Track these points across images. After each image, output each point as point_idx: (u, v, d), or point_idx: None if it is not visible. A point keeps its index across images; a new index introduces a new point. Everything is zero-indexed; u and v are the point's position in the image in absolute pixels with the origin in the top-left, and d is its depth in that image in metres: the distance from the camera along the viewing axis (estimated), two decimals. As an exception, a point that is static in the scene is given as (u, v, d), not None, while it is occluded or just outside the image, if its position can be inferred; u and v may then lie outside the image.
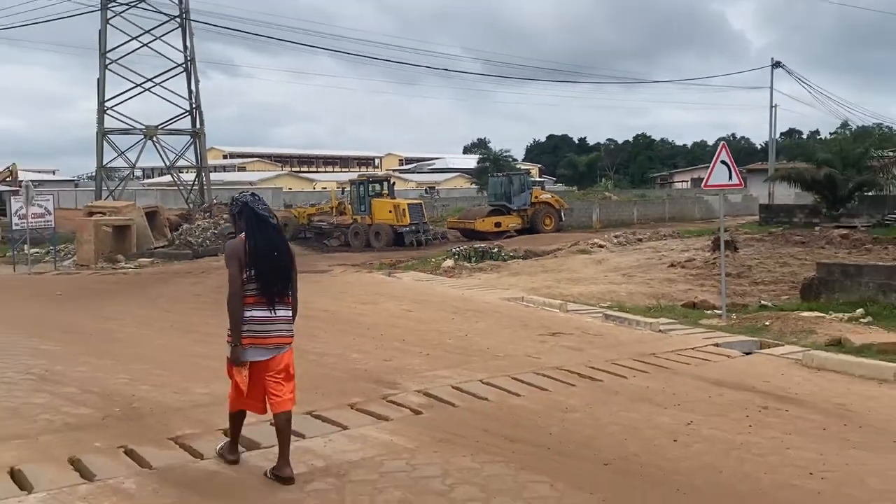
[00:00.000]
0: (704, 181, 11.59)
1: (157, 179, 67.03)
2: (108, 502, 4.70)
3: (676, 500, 4.84)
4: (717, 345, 9.48)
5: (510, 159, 65.39)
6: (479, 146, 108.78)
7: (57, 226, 23.24)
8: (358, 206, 30.22)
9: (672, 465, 5.45)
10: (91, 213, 24.31)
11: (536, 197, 33.88)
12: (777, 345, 9.53)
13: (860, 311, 11.40)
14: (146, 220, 25.06)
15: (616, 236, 25.49)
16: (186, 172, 37.75)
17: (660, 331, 10.38)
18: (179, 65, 30.99)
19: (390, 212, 29.25)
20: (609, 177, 79.20)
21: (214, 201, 30.43)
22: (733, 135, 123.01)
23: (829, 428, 6.31)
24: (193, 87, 31.22)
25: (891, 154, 34.42)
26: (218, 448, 5.53)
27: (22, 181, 39.18)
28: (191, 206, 30.85)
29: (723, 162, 11.16)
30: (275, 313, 5.15)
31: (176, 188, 34.21)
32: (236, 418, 5.44)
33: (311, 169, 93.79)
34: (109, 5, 29.22)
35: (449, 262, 18.52)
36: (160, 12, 29.89)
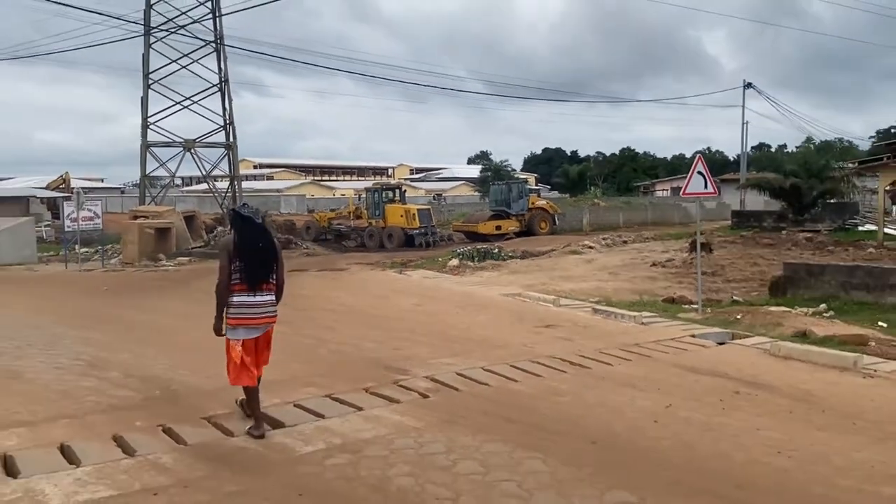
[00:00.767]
0: (683, 189, 11.52)
1: (194, 187, 67.09)
2: (147, 475, 4.69)
3: (656, 474, 4.80)
4: (693, 336, 9.42)
5: (510, 169, 65.29)
6: (481, 158, 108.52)
7: (105, 228, 23.29)
8: (373, 211, 30.22)
9: (653, 443, 5.41)
10: (135, 217, 24.33)
11: (533, 203, 33.79)
12: (748, 336, 9.46)
13: (823, 306, 11.33)
14: (185, 223, 25.07)
15: (604, 239, 25.38)
16: (220, 181, 37.69)
17: (642, 323, 10.32)
18: (214, 85, 30.96)
19: (402, 216, 29.24)
20: (598, 185, 78.91)
21: (250, 210, 30.35)
22: (708, 148, 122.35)
23: (796, 411, 6.26)
24: (227, 105, 31.20)
25: (850, 166, 34.19)
26: (246, 429, 5.57)
27: (73, 188, 39.32)
28: (224, 210, 30.80)
29: (699, 172, 11.10)
30: (255, 297, 5.45)
31: (211, 195, 34.19)
32: (251, 396, 5.61)
33: (332, 178, 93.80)
34: (152, 32, 29.20)
35: (454, 262, 18.46)
36: (197, 38, 29.88)
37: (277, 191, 67.80)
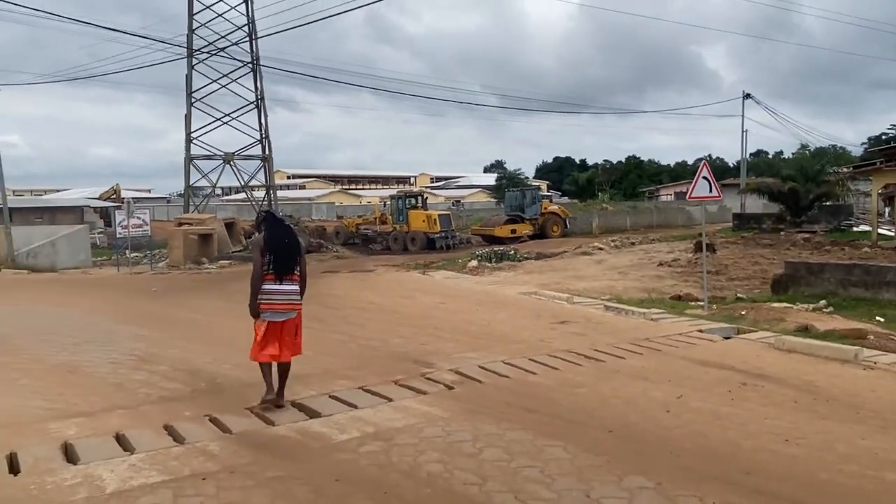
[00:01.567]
0: (688, 193, 11.36)
1: (233, 196, 67.67)
2: (196, 461, 4.69)
3: (669, 460, 4.72)
4: (701, 331, 9.27)
5: (523, 177, 65.05)
6: (496, 166, 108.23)
7: (152, 234, 23.53)
8: (397, 217, 30.26)
9: (665, 432, 5.32)
10: (180, 224, 24.55)
11: (545, 208, 33.62)
12: (752, 331, 9.30)
13: (823, 302, 11.12)
14: (225, 230, 25.27)
15: (613, 241, 25.15)
16: (257, 190, 37.96)
17: (652, 319, 10.19)
18: (251, 102, 31.17)
19: (424, 221, 29.23)
20: (605, 191, 78.30)
21: (280, 214, 30.58)
22: (709, 155, 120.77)
23: (801, 401, 6.14)
24: (263, 121, 31.39)
25: (844, 170, 33.62)
26: (264, 396, 5.87)
27: (124, 198, 39.80)
28: (257, 213, 30.99)
29: (704, 177, 10.94)
30: (281, 285, 5.81)
31: (249, 203, 34.44)
32: (264, 368, 5.91)
33: (359, 186, 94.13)
34: (194, 54, 29.49)
35: (473, 263, 18.38)
36: (235, 59, 30.13)
37: (309, 199, 68.21)
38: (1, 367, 7.57)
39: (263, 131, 31.44)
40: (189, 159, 30.48)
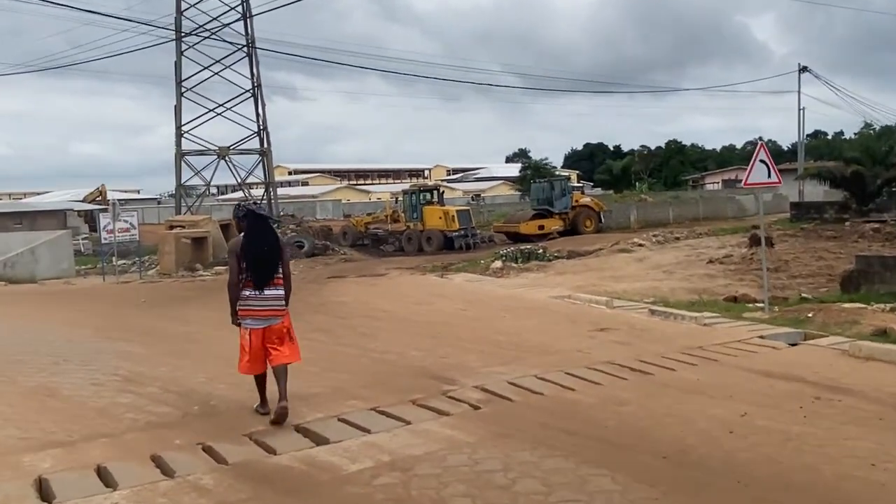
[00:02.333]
0: (745, 180, 11.04)
1: (229, 195, 68.13)
2: (187, 498, 4.54)
3: (738, 491, 4.48)
4: (762, 337, 8.98)
5: (550, 166, 64.66)
6: (519, 156, 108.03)
7: (142, 239, 23.60)
8: (410, 214, 30.10)
9: (729, 456, 5.08)
10: (172, 227, 24.64)
11: (577, 200, 33.31)
12: (821, 336, 8.99)
13: (902, 301, 10.74)
14: (221, 232, 25.30)
15: (654, 236, 24.81)
16: (255, 188, 38.11)
17: (704, 324, 9.91)
18: (247, 90, 31.31)
19: (440, 218, 29.04)
20: (643, 180, 77.70)
21: (282, 214, 30.64)
22: (760, 137, 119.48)
23: (886, 418, 5.85)
24: (260, 111, 31.53)
25: (916, 151, 32.88)
26: (255, 406, 6.24)
27: (110, 200, 40.12)
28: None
29: (762, 161, 10.63)
30: (262, 293, 5.95)
31: (247, 203, 34.61)
32: (258, 381, 6.22)
33: (367, 181, 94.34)
34: (183, 38, 29.63)
35: (498, 264, 18.18)
36: (229, 42, 30.22)
37: (313, 196, 68.45)
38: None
39: (261, 122, 31.51)
40: (180, 155, 30.64)
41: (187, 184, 33.24)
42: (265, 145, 31.73)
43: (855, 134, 68.23)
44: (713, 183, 74.48)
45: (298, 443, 5.57)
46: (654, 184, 79.11)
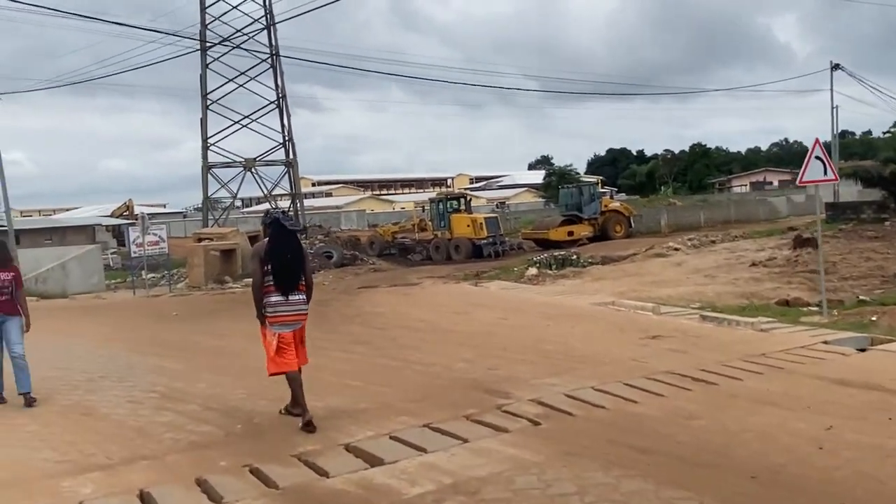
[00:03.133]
0: (799, 178, 10.52)
1: (255, 207, 68.34)
2: (239, 528, 4.19)
3: (843, 517, 4.03)
4: (826, 342, 8.48)
5: (574, 173, 64.02)
6: (542, 163, 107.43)
7: (170, 252, 23.50)
8: (438, 223, 29.72)
9: (824, 475, 4.63)
10: (200, 240, 24.52)
11: (606, 206, 32.76)
12: (890, 340, 8.46)
13: (969, 302, 10.17)
14: (250, 244, 25.14)
15: (689, 239, 24.22)
16: (281, 199, 37.97)
17: (761, 330, 9.42)
18: (272, 102, 31.23)
19: (468, 226, 28.64)
20: (668, 184, 76.73)
21: (309, 224, 30.47)
22: (785, 139, 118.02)
23: None
24: (286, 122, 31.40)
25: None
26: (282, 409, 6.40)
27: (137, 214, 40.27)
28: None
29: (817, 157, 10.13)
30: (287, 298, 6.10)
31: (275, 210, 34.43)
32: (292, 385, 6.20)
33: (390, 191, 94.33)
34: (208, 50, 29.65)
35: (533, 271, 17.76)
36: (252, 52, 30.14)
37: (337, 207, 68.49)
38: (3, 410, 7.25)
39: (286, 133, 31.39)
40: (207, 167, 30.59)
41: (213, 197, 33.16)
42: (291, 156, 31.57)
43: (884, 133, 66.83)
44: (741, 185, 73.44)
45: (351, 464, 5.21)
46: (678, 188, 78.08)
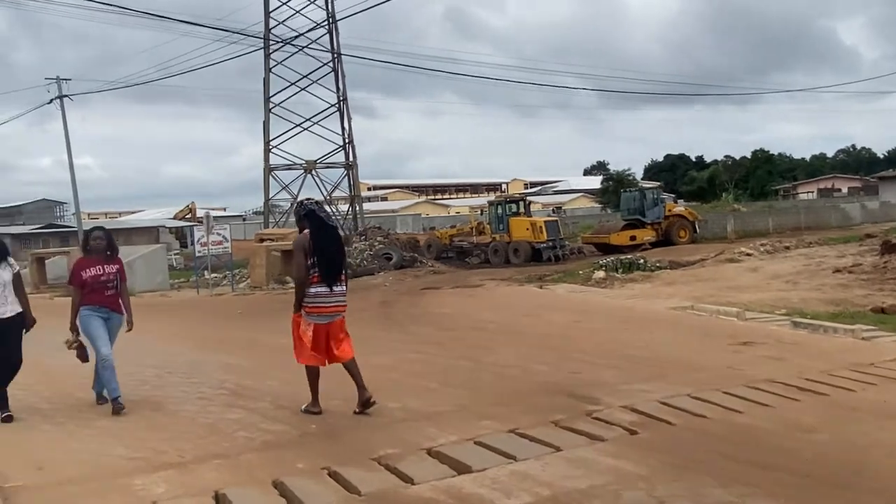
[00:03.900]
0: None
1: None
2: (323, 537, 3.81)
3: None
4: (941, 352, 7.71)
5: (632, 177, 62.78)
6: (598, 168, 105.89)
7: (232, 252, 23.63)
8: (496, 226, 29.24)
9: None
10: (261, 240, 24.62)
11: (670, 210, 31.75)
12: None
13: None
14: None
15: (762, 245, 23.19)
16: (340, 203, 38.05)
17: (863, 338, 8.68)
18: (332, 105, 31.29)
19: (527, 229, 28.09)
20: (729, 191, 74.51)
21: (369, 227, 30.39)
22: (853, 146, 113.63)
23: None
24: (346, 124, 31.40)
25: None
26: (303, 408, 6.27)
27: (204, 213, 40.96)
28: (346, 231, 30.90)
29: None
30: (332, 290, 6.09)
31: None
32: (312, 375, 6.22)
33: (445, 196, 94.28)
34: (271, 55, 29.90)
35: (600, 274, 17.12)
36: (319, 49, 30.24)
37: (393, 211, 68.68)
38: (75, 403, 7.09)
39: (347, 136, 31.40)
40: (268, 170, 30.81)
41: (272, 201, 33.38)
42: (351, 158, 31.56)
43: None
44: (807, 192, 70.80)
45: (436, 470, 4.80)
46: (739, 195, 75.80)
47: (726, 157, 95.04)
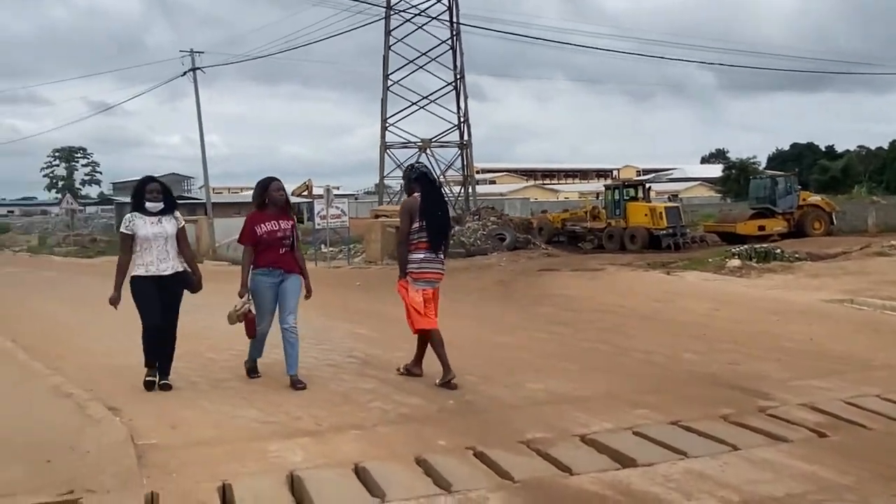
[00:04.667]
0: None
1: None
2: (482, 527, 3.36)
3: None
4: None
5: (756, 166, 59.27)
6: (716, 156, 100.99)
7: (349, 227, 23.85)
8: (612, 211, 28.06)
9: None
10: (377, 216, 24.69)
11: (804, 200, 29.47)
12: None
13: None
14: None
15: (916, 238, 21.00)
16: (451, 185, 37.83)
17: None
18: (449, 83, 30.97)
19: (646, 215, 26.76)
20: (862, 182, 69.09)
21: (482, 207, 29.99)
22: None
23: None
24: (462, 103, 31.01)
25: None
26: (402, 367, 6.26)
27: (316, 193, 41.89)
28: (459, 211, 30.60)
29: None
30: (437, 255, 5.97)
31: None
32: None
33: (554, 181, 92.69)
34: (392, 31, 29.89)
35: (735, 262, 15.89)
36: (434, 35, 30.03)
37: (500, 194, 67.98)
38: (206, 363, 7.00)
39: (463, 114, 31.01)
40: (384, 147, 30.91)
41: (385, 180, 33.52)
42: (465, 137, 31.17)
43: None
44: (953, 187, 64.46)
45: (595, 460, 4.26)
46: (874, 187, 70.17)
47: (859, 147, 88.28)
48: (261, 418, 5.11)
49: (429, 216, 5.91)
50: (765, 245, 18.89)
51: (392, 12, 29.90)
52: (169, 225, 5.86)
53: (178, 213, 6.02)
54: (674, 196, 59.00)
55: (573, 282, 14.46)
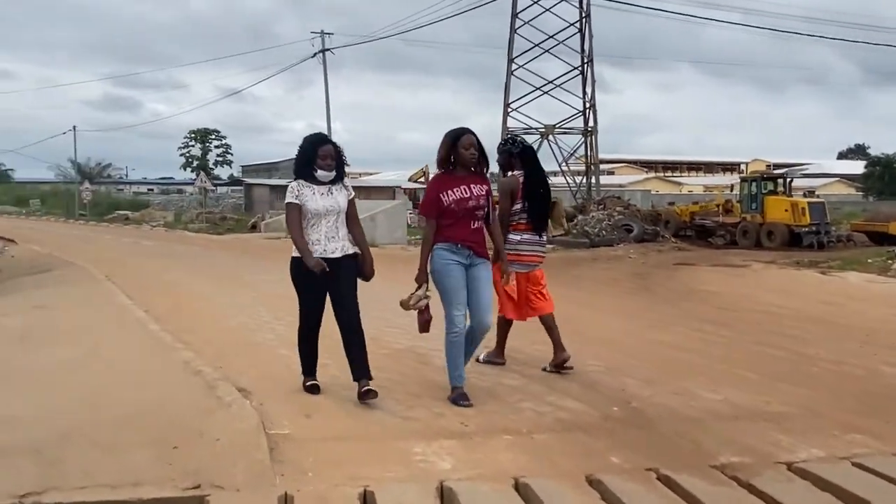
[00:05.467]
0: None
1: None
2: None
3: None
4: None
5: (906, 163, 53.99)
6: (855, 151, 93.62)
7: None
8: (748, 205, 26.02)
9: None
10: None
11: (972, 198, 26.32)
12: None
13: None
14: (545, 211, 24.13)
15: None
16: (570, 175, 36.55)
17: None
18: (576, 67, 29.70)
19: (787, 210, 24.59)
20: None
21: (607, 196, 28.70)
22: None
23: None
24: (589, 88, 29.69)
25: None
26: (483, 356, 5.69)
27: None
28: (580, 200, 29.41)
29: None
30: (540, 237, 5.61)
31: (565, 186, 32.98)
32: (505, 327, 5.70)
33: (676, 174, 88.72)
34: (518, 14, 29.00)
35: (904, 263, 14.10)
36: (561, 17, 28.85)
37: (620, 185, 65.64)
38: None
39: (589, 100, 29.69)
40: (506, 133, 30.09)
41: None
42: (591, 124, 29.84)
43: None
44: None
45: (818, 499, 3.36)
46: None
47: None
48: (400, 412, 4.52)
49: (531, 197, 5.49)
50: (939, 247, 16.74)
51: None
52: (340, 196, 4.69)
53: (347, 182, 4.83)
54: (810, 192, 54.88)
55: (714, 277, 13.22)
